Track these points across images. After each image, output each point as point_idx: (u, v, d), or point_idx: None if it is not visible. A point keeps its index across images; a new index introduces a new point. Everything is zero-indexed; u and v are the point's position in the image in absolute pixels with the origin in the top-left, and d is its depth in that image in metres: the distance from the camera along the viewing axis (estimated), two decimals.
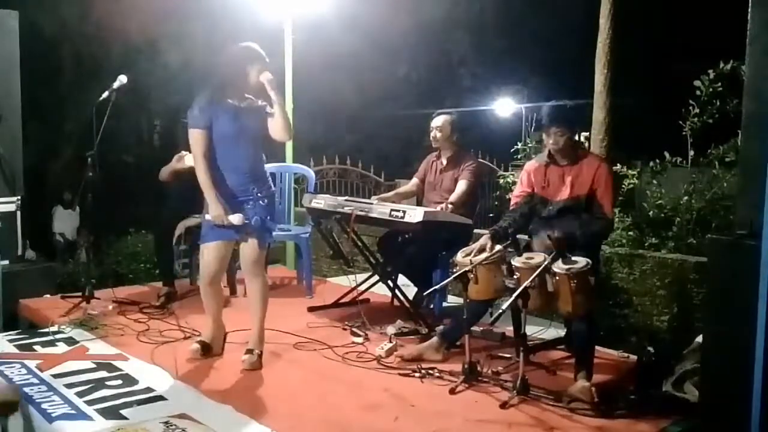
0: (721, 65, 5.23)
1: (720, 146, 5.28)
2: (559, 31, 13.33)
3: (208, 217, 3.67)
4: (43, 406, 3.18)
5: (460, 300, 3.90)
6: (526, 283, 3.31)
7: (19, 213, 5.23)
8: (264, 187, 3.78)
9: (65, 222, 10.90)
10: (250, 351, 3.79)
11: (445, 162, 4.95)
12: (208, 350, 3.92)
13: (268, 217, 3.76)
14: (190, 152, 5.02)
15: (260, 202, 3.73)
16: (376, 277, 4.86)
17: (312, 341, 4.18)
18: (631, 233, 5.29)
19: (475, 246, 3.75)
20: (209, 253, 3.81)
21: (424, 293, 4.46)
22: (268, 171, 5.88)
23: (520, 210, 3.92)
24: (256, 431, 3.03)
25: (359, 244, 4.82)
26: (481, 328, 4.22)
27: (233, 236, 3.78)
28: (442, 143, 4.92)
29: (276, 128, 3.73)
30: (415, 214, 4.18)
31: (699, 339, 3.34)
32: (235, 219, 3.63)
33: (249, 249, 3.77)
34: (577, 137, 3.96)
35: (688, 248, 4.95)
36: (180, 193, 4.98)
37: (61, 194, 10.89)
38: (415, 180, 5.14)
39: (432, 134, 4.94)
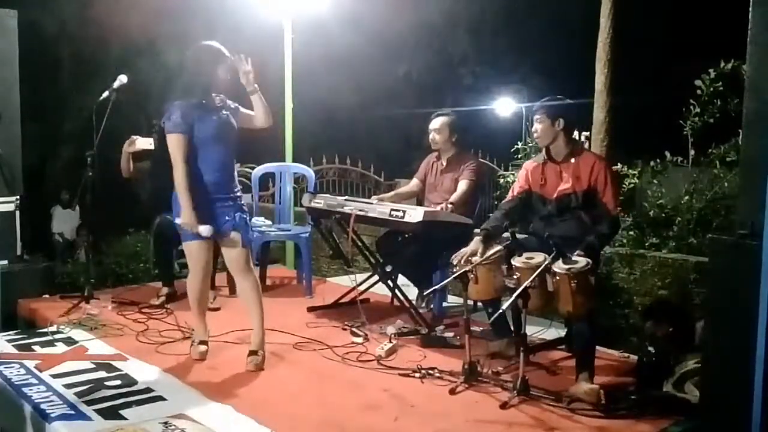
0: (722, 64, 5.21)
1: (721, 146, 5.26)
2: (559, 31, 13.33)
3: (178, 221, 3.68)
4: (42, 406, 3.17)
5: (460, 300, 3.89)
6: (526, 283, 3.30)
7: (18, 213, 5.22)
8: (237, 186, 3.83)
9: (64, 222, 10.89)
10: (254, 352, 3.78)
11: (445, 163, 4.93)
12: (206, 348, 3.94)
13: (247, 216, 3.77)
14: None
15: (239, 200, 3.77)
16: (376, 277, 4.85)
17: (312, 341, 4.18)
18: (631, 233, 5.27)
19: (466, 251, 3.73)
20: (190, 251, 3.82)
21: (424, 293, 4.45)
22: (268, 170, 5.96)
23: (514, 204, 3.92)
24: (256, 431, 3.02)
25: (359, 244, 4.81)
26: (481, 328, 4.21)
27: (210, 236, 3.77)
28: (441, 145, 4.91)
29: (258, 116, 3.82)
30: (415, 214, 4.17)
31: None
32: (204, 231, 3.63)
33: (234, 248, 3.75)
34: (575, 135, 3.96)
35: (689, 248, 4.94)
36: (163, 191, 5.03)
37: (60, 194, 10.88)
38: (415, 180, 5.13)
39: (431, 137, 4.92)
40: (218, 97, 3.76)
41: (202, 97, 3.68)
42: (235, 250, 3.75)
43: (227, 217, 3.69)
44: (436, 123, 4.90)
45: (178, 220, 3.68)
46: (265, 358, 3.80)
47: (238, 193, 3.79)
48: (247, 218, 3.80)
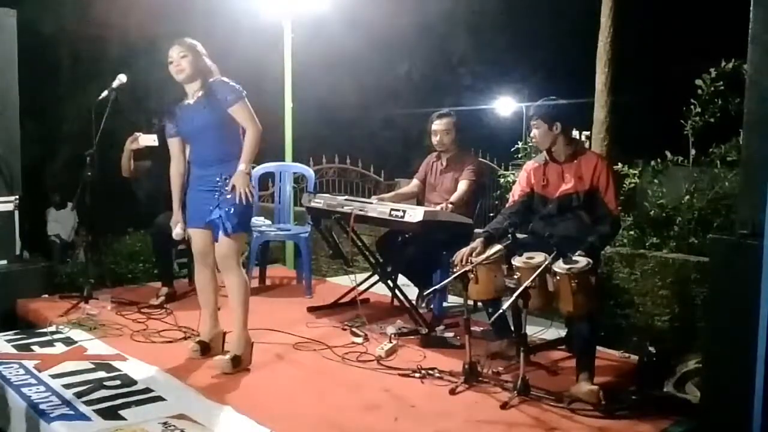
0: (723, 64, 5.21)
1: (721, 145, 5.26)
2: (560, 30, 13.34)
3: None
4: (42, 406, 3.16)
5: (460, 300, 3.88)
6: (526, 283, 3.29)
7: (17, 212, 5.21)
8: (223, 178, 3.70)
9: (59, 223, 10.82)
10: (225, 353, 3.77)
11: (445, 163, 4.93)
12: (207, 350, 3.90)
13: (231, 210, 3.65)
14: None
15: (226, 194, 3.66)
16: (376, 277, 4.85)
17: (312, 341, 4.17)
18: (632, 233, 5.27)
19: (465, 250, 3.72)
20: (191, 237, 3.91)
21: (424, 293, 4.44)
22: (268, 170, 5.93)
23: (516, 208, 3.92)
24: (256, 431, 3.01)
25: (359, 243, 4.80)
26: (481, 328, 4.21)
27: (200, 224, 3.79)
28: (448, 146, 4.90)
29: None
30: (415, 214, 4.17)
31: None
32: (174, 231, 3.90)
33: (217, 243, 3.77)
34: (576, 135, 3.96)
35: (690, 248, 4.93)
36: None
37: (52, 195, 10.80)
38: (415, 181, 5.12)
39: (438, 138, 4.88)
40: (201, 91, 3.71)
41: (182, 95, 3.77)
42: (216, 244, 3.76)
43: (210, 208, 3.70)
44: (443, 124, 4.88)
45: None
46: (250, 359, 3.75)
47: (226, 187, 3.66)
48: (232, 211, 3.65)
